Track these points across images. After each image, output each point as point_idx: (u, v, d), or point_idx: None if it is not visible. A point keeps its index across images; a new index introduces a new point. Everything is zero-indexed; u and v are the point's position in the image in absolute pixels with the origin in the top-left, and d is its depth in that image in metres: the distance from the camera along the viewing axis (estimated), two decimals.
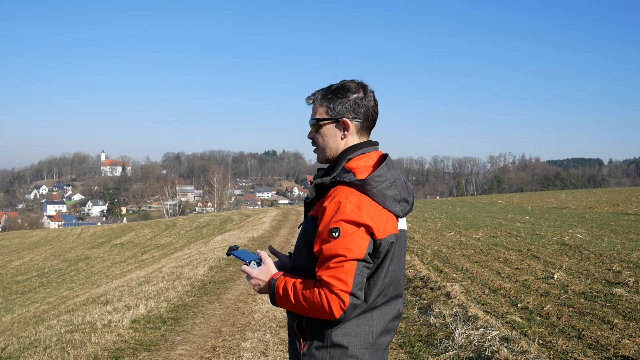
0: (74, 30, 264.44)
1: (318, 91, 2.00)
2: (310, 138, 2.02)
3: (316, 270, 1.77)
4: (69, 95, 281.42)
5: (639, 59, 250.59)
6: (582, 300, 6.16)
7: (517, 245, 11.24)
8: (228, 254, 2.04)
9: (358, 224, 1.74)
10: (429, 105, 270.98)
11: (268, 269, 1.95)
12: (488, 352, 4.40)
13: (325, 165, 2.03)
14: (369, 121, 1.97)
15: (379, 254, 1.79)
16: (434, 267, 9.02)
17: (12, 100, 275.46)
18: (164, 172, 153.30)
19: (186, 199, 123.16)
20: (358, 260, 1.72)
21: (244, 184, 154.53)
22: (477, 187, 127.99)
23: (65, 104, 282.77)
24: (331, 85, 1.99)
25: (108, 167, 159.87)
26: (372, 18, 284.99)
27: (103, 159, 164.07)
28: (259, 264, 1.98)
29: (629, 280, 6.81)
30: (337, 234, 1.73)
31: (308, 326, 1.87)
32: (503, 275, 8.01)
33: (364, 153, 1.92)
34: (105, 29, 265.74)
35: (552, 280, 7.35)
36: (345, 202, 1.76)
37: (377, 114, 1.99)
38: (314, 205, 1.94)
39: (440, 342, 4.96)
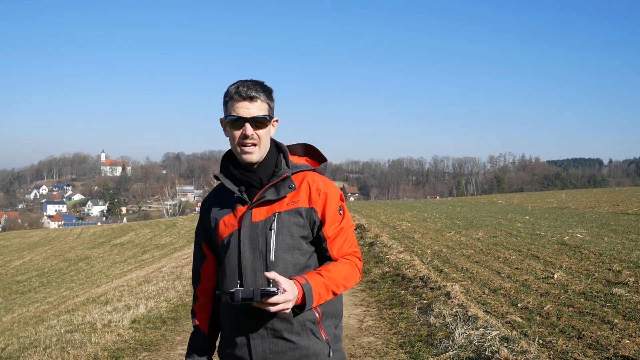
0: (74, 30, 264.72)
1: (255, 86, 1.91)
2: (250, 135, 1.89)
3: (335, 248, 1.96)
4: (69, 95, 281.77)
5: (639, 59, 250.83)
6: (582, 300, 6.16)
7: (517, 245, 11.24)
8: (255, 297, 1.67)
9: (343, 199, 2.04)
10: (429, 105, 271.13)
11: (291, 283, 1.75)
12: (488, 352, 4.40)
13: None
14: None
15: None
16: (434, 267, 9.01)
17: (12, 100, 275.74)
18: (164, 172, 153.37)
19: (186, 199, 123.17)
20: None
21: None
22: (477, 187, 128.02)
23: (65, 104, 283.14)
24: (260, 82, 1.96)
25: (108, 167, 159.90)
26: (372, 18, 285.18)
27: (103, 159, 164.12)
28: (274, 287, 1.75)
29: (629, 280, 6.81)
30: (341, 210, 1.98)
31: (324, 311, 1.94)
32: (503, 275, 8.01)
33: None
34: (105, 29, 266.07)
35: (552, 280, 7.35)
36: (333, 184, 2.02)
37: None
38: (276, 199, 1.93)
39: (440, 342, 4.95)
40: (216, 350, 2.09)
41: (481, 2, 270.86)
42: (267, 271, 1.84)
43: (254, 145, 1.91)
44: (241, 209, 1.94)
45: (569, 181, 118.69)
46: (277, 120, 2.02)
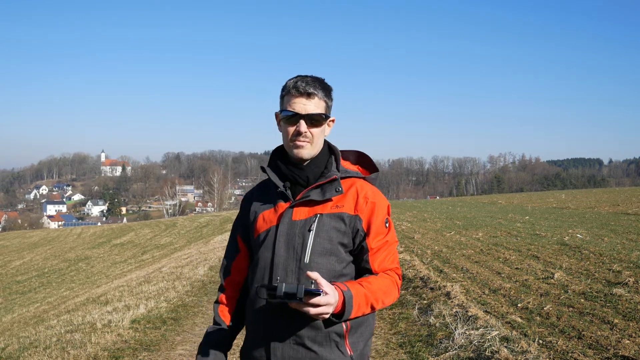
0: (74, 30, 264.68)
1: (314, 82, 1.86)
2: (304, 132, 1.84)
3: (376, 261, 1.86)
4: (69, 95, 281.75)
5: (639, 59, 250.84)
6: (582, 300, 6.16)
7: (517, 245, 11.23)
8: (300, 292, 1.54)
9: (390, 212, 1.95)
10: (429, 105, 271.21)
11: (332, 288, 1.65)
12: (488, 352, 4.40)
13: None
14: None
15: None
16: (434, 267, 9.01)
17: (12, 100, 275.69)
18: (164, 172, 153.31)
19: (186, 199, 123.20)
20: None
21: (244, 184, 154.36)
22: (477, 187, 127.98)
23: (65, 104, 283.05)
24: (320, 79, 1.90)
25: (108, 167, 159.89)
26: (373, 17, 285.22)
27: (103, 159, 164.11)
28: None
29: (629, 280, 6.81)
30: (387, 223, 1.89)
31: (353, 325, 1.83)
32: (503, 275, 8.01)
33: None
34: (105, 28, 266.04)
35: (552, 280, 7.35)
36: (382, 194, 1.93)
37: None
38: (322, 201, 1.85)
39: (440, 342, 4.95)
40: (239, 349, 2.01)
41: (481, 2, 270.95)
42: (299, 273, 1.79)
43: (307, 142, 1.85)
44: (283, 205, 1.88)
45: (569, 181, 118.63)
46: (332, 120, 1.96)
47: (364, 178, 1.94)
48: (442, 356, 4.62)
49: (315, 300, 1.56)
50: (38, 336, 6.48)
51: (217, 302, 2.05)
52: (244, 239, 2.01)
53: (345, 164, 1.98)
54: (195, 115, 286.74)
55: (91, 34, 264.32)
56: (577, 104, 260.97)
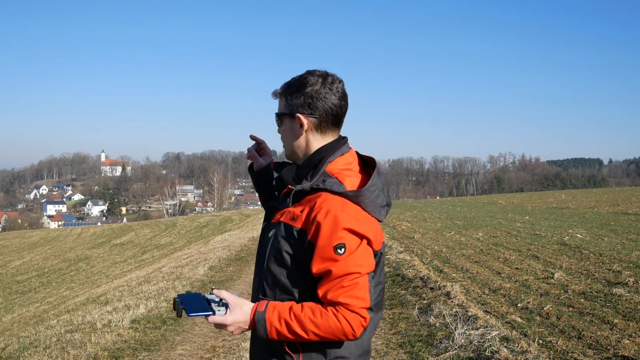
0: (74, 30, 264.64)
1: (285, 83, 1.84)
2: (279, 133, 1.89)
3: (321, 290, 1.62)
4: (68, 95, 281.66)
5: (639, 59, 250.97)
6: (582, 300, 6.16)
7: (517, 245, 11.24)
8: (179, 313, 1.69)
9: (361, 236, 1.63)
10: (429, 105, 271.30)
11: (242, 307, 1.67)
12: (488, 352, 4.40)
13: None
14: (330, 116, 1.76)
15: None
16: (434, 267, 9.01)
17: (12, 100, 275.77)
18: (164, 172, 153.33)
19: (186, 199, 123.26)
20: (369, 273, 1.64)
21: (244, 184, 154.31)
22: (477, 187, 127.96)
23: (65, 104, 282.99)
24: (297, 76, 1.80)
25: (108, 167, 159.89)
26: (372, 17, 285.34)
27: (103, 159, 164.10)
28: (223, 305, 1.69)
29: (629, 280, 6.82)
30: (342, 250, 1.60)
31: (303, 345, 1.70)
32: (503, 275, 8.01)
33: (342, 154, 1.78)
34: (105, 28, 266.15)
35: (552, 280, 7.35)
36: (342, 214, 1.62)
37: (342, 108, 1.78)
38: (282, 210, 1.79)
39: (440, 342, 4.95)
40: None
41: (481, 2, 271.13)
42: (260, 277, 1.80)
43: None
44: (275, 207, 1.90)
45: (569, 181, 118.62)
46: (298, 117, 1.76)
47: (341, 194, 1.66)
48: (442, 356, 4.62)
49: (209, 319, 1.68)
50: (38, 336, 6.48)
51: None
52: None
53: (340, 172, 1.74)
54: (195, 115, 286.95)
55: (91, 33, 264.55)
56: (577, 104, 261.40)
